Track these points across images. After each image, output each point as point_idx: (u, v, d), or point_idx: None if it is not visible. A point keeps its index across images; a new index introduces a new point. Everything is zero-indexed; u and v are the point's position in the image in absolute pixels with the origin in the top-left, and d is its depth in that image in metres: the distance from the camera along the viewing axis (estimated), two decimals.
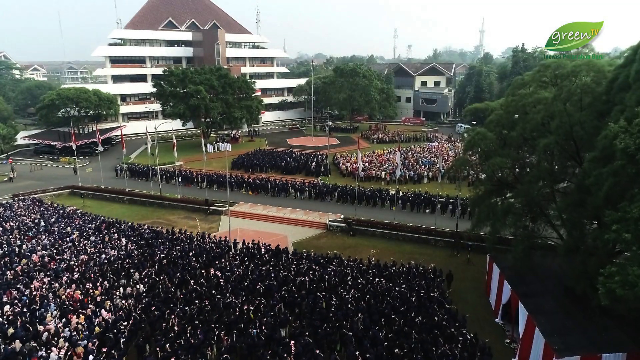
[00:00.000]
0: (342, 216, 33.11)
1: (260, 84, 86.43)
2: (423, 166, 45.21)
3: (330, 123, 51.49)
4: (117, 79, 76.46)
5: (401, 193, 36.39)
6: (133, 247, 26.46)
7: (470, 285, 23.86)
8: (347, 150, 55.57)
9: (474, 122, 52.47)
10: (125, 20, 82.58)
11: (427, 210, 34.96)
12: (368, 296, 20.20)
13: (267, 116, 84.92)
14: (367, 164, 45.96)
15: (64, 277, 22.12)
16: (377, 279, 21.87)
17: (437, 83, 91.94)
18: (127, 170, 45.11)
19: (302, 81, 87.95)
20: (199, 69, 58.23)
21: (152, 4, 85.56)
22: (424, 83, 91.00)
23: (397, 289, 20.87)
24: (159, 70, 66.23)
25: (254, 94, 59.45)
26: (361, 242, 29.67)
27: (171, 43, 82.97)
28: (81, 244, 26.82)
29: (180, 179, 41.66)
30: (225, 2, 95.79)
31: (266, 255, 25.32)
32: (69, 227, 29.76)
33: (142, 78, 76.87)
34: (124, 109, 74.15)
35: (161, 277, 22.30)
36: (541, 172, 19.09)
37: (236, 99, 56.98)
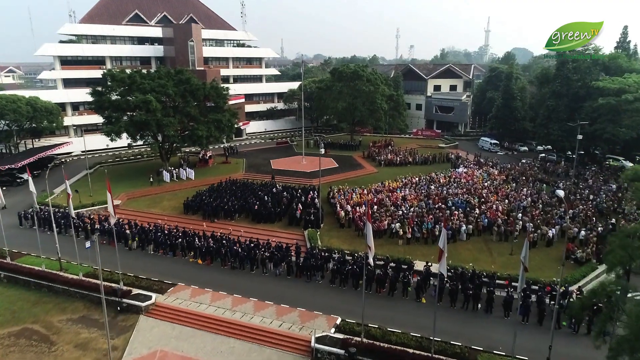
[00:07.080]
0: (338, 322, 19.62)
1: (244, 88, 72.98)
2: (456, 212, 31.30)
3: (322, 150, 37.87)
4: (69, 83, 62.93)
5: (433, 268, 22.78)
6: None
7: None
8: (346, 179, 41.99)
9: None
10: (83, 13, 69.42)
11: (479, 305, 21.37)
12: None
13: (252, 127, 71.24)
14: (375, 207, 32.41)
15: None
16: None
17: (452, 87, 78.28)
18: (33, 216, 31.68)
19: (294, 85, 74.37)
20: (153, 72, 44.61)
21: None
22: (437, 87, 77.18)
23: None
24: None
25: (226, 104, 45.63)
26: None
27: (140, 40, 69.57)
28: None
29: (88, 242, 24.01)
30: None
31: None
32: None
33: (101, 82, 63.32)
34: (75, 120, 60.70)
35: None
36: None
37: (202, 111, 43.36)
